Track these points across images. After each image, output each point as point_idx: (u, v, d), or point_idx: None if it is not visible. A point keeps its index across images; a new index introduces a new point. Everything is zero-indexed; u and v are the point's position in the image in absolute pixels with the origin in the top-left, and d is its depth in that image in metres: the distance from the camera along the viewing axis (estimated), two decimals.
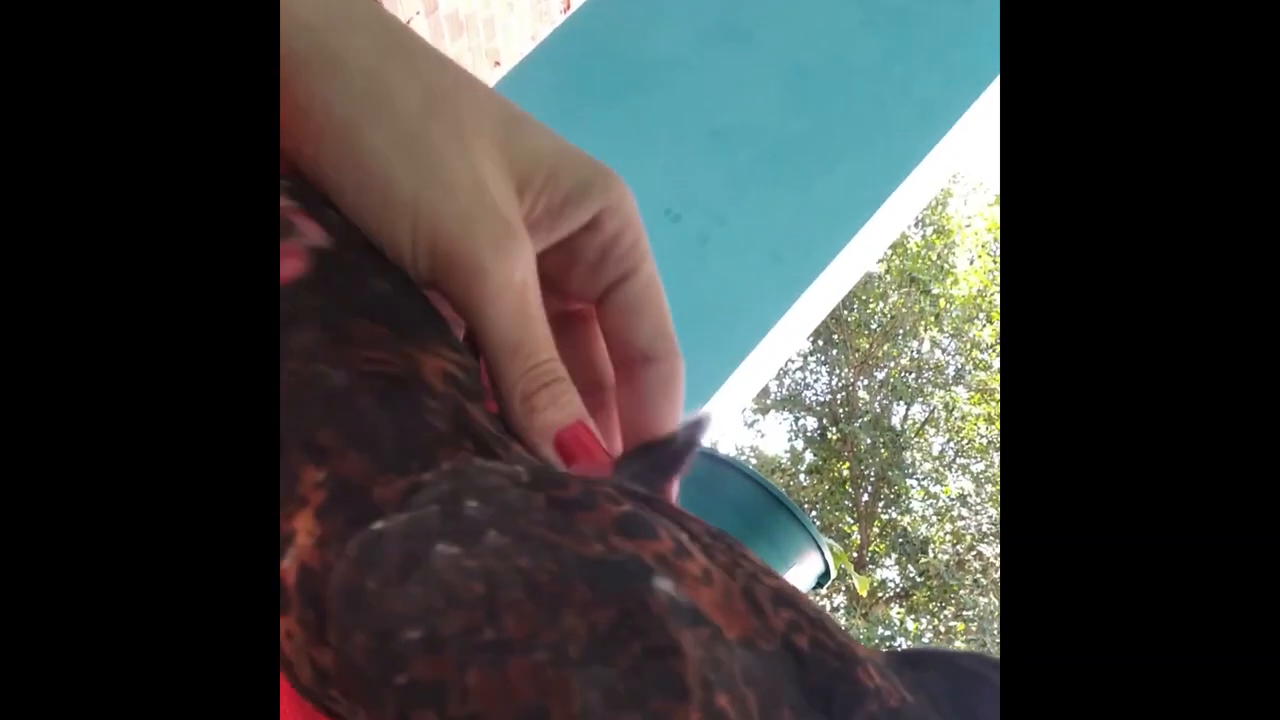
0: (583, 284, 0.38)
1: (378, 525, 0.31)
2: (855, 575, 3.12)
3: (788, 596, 0.33)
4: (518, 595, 0.30)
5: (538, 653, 0.29)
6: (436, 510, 0.31)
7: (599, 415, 0.40)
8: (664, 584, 0.31)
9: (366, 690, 0.29)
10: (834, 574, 1.68)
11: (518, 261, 0.35)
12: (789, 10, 1.30)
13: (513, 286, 0.35)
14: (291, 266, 0.33)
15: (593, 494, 0.32)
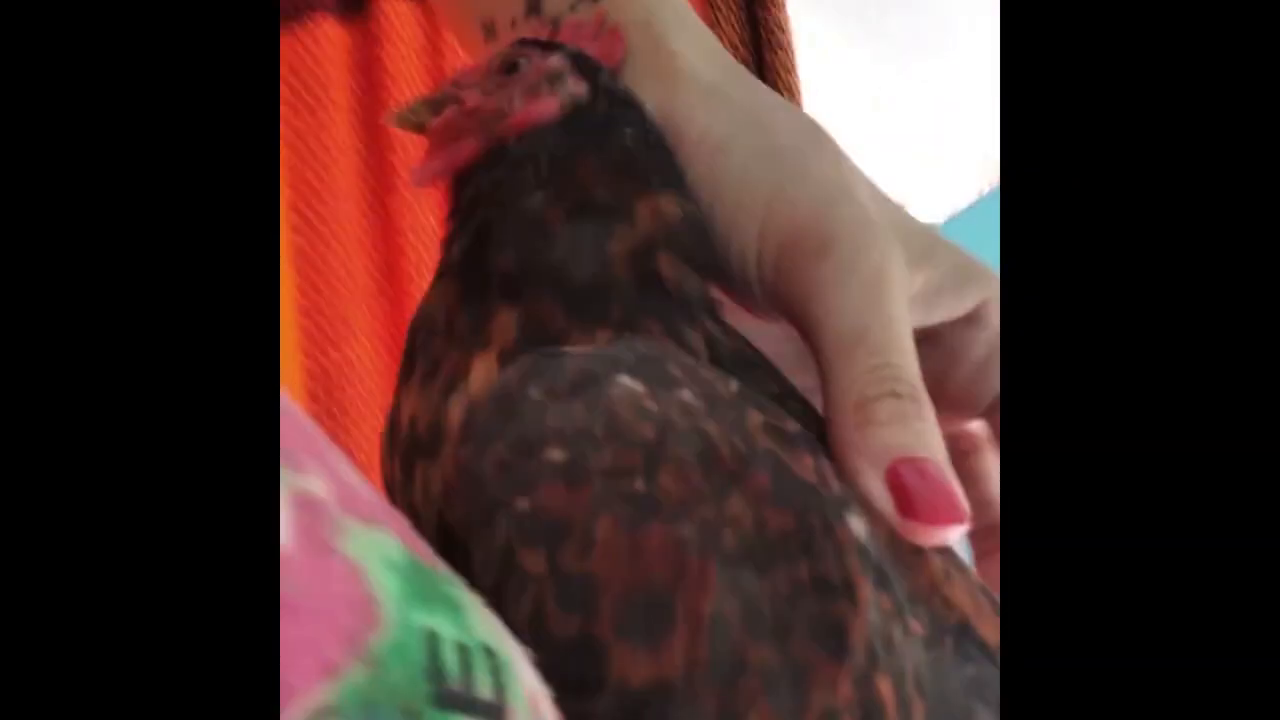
0: (967, 388, 0.33)
1: (565, 349, 0.27)
2: None
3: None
4: (687, 456, 0.25)
5: (685, 526, 0.24)
6: (634, 356, 0.27)
7: (987, 562, 0.34)
8: (859, 523, 0.26)
9: (480, 512, 0.25)
10: None
11: (876, 243, 0.30)
12: None
13: (867, 267, 0.29)
14: (544, 110, 0.31)
15: (814, 441, 0.28)
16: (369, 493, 0.25)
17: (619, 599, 0.24)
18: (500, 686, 0.23)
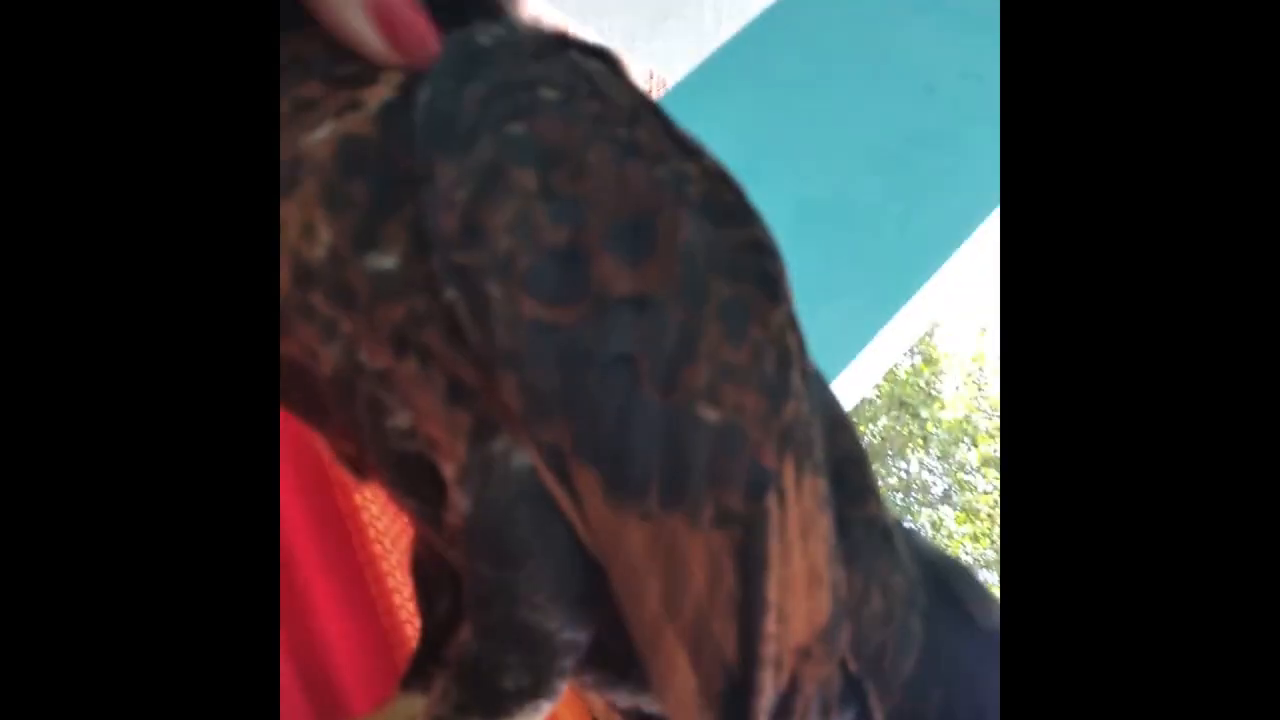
0: None
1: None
2: None
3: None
4: (655, 124, 0.28)
5: (661, 171, 0.27)
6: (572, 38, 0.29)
7: None
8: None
9: (454, 139, 0.25)
10: None
11: None
12: (795, 151, 1.39)
13: None
14: None
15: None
16: None
17: (607, 218, 0.26)
18: None
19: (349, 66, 0.28)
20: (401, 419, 0.28)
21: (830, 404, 0.34)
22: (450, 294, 0.26)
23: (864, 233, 1.34)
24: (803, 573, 0.28)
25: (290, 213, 0.27)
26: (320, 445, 0.38)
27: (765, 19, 1.28)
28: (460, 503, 0.27)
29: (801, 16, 1.31)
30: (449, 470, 0.27)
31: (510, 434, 0.26)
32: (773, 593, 0.27)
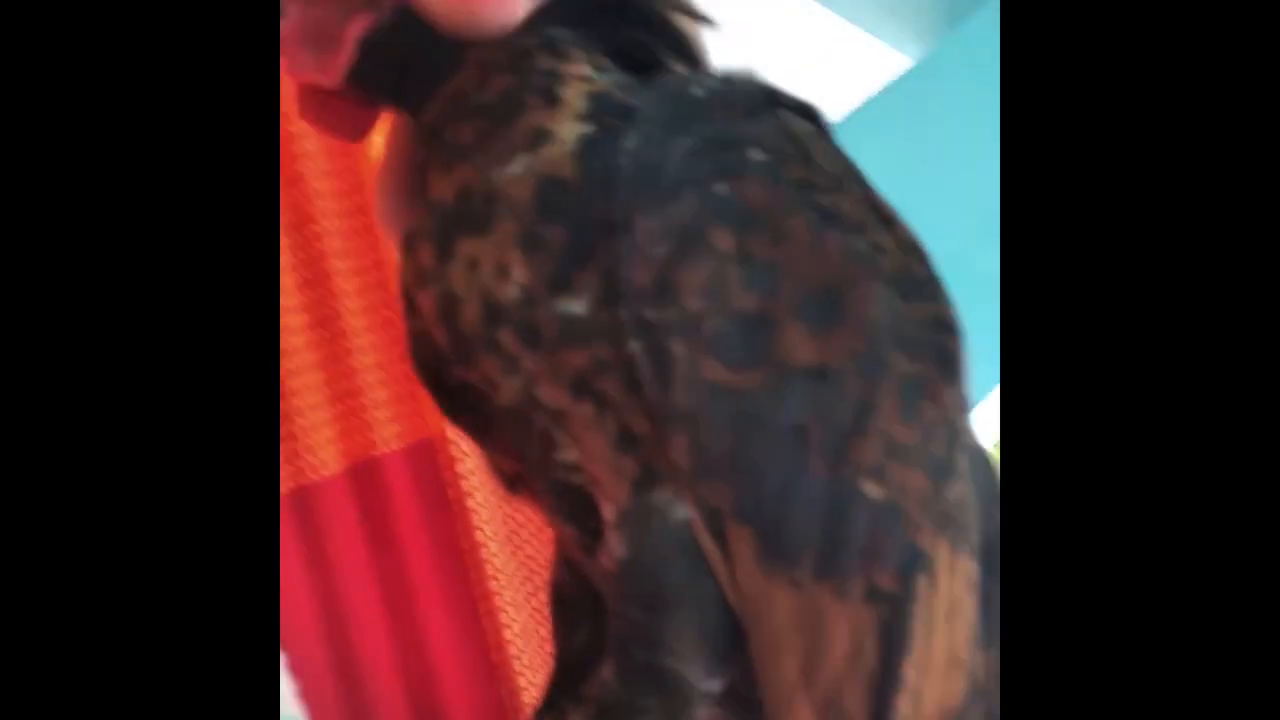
0: None
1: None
2: None
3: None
4: (857, 193, 0.28)
5: (857, 242, 0.27)
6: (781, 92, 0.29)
7: None
8: None
9: (658, 191, 0.25)
10: None
11: None
12: (909, 218, 1.40)
13: None
14: None
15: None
16: None
17: (799, 287, 0.26)
18: None
19: (488, 94, 0.28)
20: (570, 454, 0.28)
21: (990, 481, 0.33)
22: (633, 346, 0.26)
23: (978, 300, 1.33)
24: (942, 656, 0.28)
25: (485, 252, 0.27)
26: (453, 473, 0.37)
27: (884, 92, 1.29)
28: (616, 547, 0.28)
29: (922, 87, 1.32)
30: (608, 511, 0.28)
31: (673, 487, 0.27)
32: (910, 674, 0.27)
